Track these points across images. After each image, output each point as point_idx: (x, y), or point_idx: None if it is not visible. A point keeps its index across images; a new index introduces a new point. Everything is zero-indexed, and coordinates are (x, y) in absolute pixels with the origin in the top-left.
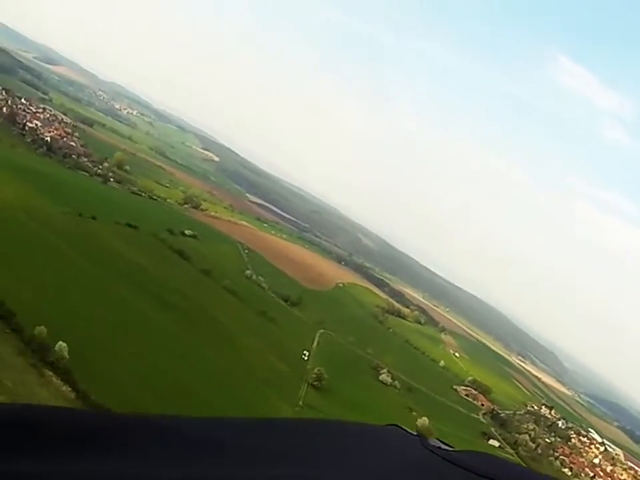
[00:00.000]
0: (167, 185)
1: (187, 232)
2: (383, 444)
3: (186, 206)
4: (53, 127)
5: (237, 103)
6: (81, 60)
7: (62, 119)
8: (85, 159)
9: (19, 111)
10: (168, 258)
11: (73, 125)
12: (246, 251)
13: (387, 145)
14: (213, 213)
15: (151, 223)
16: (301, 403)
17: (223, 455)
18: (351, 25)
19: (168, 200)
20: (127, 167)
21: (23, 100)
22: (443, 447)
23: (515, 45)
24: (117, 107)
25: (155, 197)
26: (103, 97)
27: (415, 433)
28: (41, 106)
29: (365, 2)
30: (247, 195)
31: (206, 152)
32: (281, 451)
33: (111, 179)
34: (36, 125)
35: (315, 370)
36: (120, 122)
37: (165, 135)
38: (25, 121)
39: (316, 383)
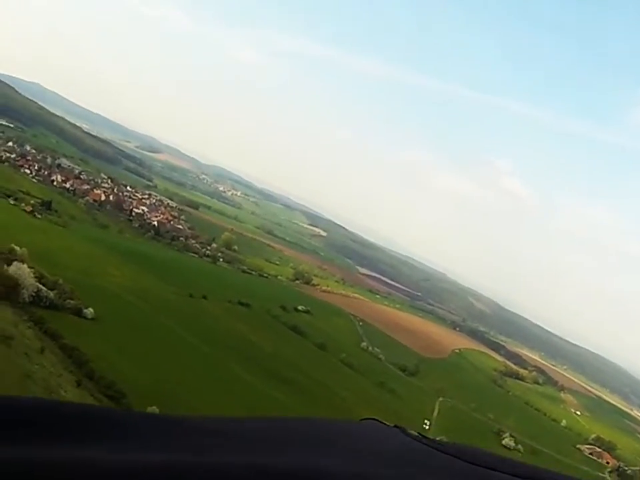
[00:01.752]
0: (277, 262)
1: (300, 307)
2: (366, 434)
3: (297, 282)
4: (160, 212)
5: (336, 178)
6: (182, 146)
7: (167, 203)
8: (193, 241)
9: (125, 198)
10: (283, 334)
11: (178, 209)
12: (360, 323)
13: (484, 205)
14: (324, 288)
15: (263, 300)
16: None
17: (202, 443)
18: (426, 85)
19: (279, 277)
20: (235, 247)
21: (128, 187)
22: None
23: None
24: (220, 188)
25: (265, 275)
26: (206, 180)
27: (394, 425)
28: (147, 192)
29: (429, 59)
30: (357, 267)
31: (313, 228)
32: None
33: (220, 259)
34: (142, 210)
35: (438, 439)
36: (225, 203)
37: (271, 214)
38: (131, 207)
39: None
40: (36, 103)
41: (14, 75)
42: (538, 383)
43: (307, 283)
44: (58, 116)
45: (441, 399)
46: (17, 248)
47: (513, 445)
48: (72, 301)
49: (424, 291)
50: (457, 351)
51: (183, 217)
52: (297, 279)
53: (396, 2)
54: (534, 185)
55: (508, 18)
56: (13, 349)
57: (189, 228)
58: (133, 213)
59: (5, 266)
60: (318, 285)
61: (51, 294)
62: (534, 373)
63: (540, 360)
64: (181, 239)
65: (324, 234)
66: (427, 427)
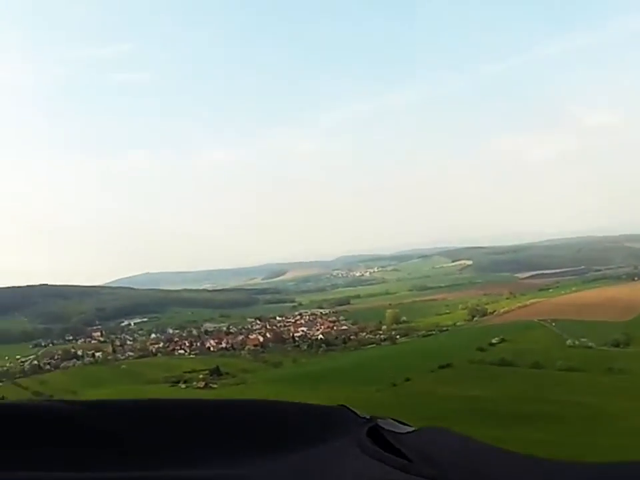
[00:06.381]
0: (447, 311)
1: (493, 341)
2: (323, 424)
3: (475, 319)
4: (318, 324)
5: (449, 204)
6: (304, 257)
7: (320, 312)
8: (364, 334)
9: (281, 329)
10: (494, 374)
11: (333, 313)
12: (553, 324)
13: (588, 150)
14: (501, 310)
15: (458, 352)
16: None
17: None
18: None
19: (457, 323)
20: (404, 318)
21: (277, 317)
22: (397, 428)
23: None
24: (357, 274)
25: (445, 328)
26: (340, 274)
27: (365, 416)
28: (296, 313)
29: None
30: (516, 275)
31: (458, 262)
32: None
33: (397, 336)
34: (302, 331)
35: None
36: (369, 285)
37: (414, 271)
38: (292, 334)
39: None
40: (155, 289)
41: (125, 276)
42: None
43: (484, 314)
44: (179, 290)
45: None
46: None
47: None
48: None
49: (585, 262)
50: None
51: (342, 318)
52: (474, 316)
53: None
54: (621, 106)
55: None
56: None
57: (352, 324)
58: (295, 338)
59: None
60: (495, 311)
61: None
62: None
63: None
64: (352, 337)
65: (469, 262)
66: None
